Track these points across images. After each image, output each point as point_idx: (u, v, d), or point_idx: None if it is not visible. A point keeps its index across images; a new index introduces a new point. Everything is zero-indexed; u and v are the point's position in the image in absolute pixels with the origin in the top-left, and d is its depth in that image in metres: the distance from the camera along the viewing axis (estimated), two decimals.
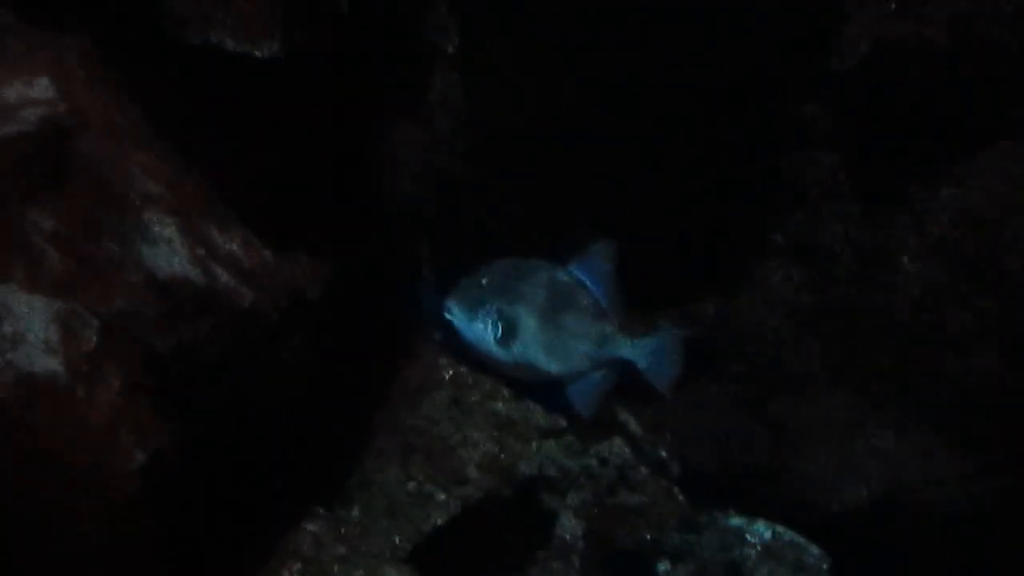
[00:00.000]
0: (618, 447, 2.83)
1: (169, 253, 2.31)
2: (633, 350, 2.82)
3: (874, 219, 2.80)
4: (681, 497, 2.82)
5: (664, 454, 2.86)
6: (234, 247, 2.41)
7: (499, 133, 2.85)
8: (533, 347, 2.80)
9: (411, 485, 2.69)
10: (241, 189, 2.41)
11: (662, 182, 2.88)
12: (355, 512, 2.68)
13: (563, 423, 2.83)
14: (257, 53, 2.32)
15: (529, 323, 2.80)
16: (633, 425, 2.88)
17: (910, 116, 2.73)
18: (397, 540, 2.64)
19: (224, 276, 2.37)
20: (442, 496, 2.67)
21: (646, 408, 2.92)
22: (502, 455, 2.74)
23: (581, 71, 2.76)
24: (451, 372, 2.87)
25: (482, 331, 2.81)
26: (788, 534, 2.81)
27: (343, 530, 2.63)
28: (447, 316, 2.87)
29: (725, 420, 2.91)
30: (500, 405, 2.82)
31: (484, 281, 2.85)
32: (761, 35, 2.72)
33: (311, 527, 2.61)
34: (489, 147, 2.85)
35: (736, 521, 2.82)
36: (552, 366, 2.80)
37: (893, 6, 2.68)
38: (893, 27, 2.68)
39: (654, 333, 2.84)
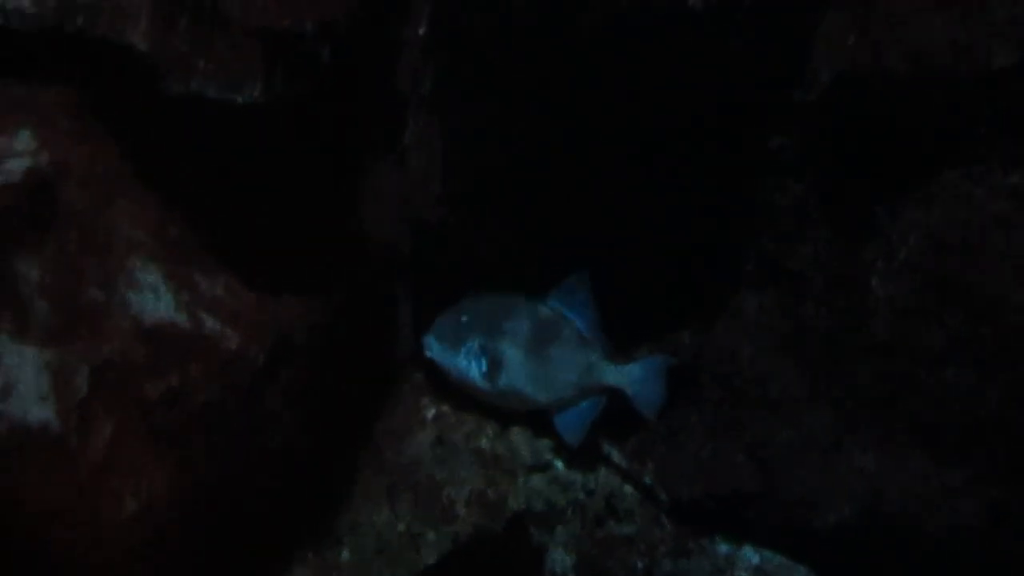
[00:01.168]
0: (604, 478, 2.85)
1: (155, 299, 2.32)
2: (619, 376, 2.85)
3: (844, 243, 2.82)
4: (669, 525, 2.84)
5: (649, 482, 2.87)
6: (218, 291, 2.42)
7: (473, 173, 2.86)
8: (519, 378, 2.83)
9: (400, 525, 2.69)
10: (224, 233, 2.43)
11: (637, 215, 2.90)
12: (345, 555, 2.68)
13: (548, 457, 2.85)
14: (239, 99, 2.34)
15: (515, 355, 2.83)
16: (616, 456, 2.90)
17: (873, 142, 2.74)
18: None
19: (210, 320, 2.38)
20: (432, 535, 2.68)
21: (628, 439, 2.94)
22: (489, 491, 2.75)
23: (554, 109, 2.79)
24: (434, 411, 2.89)
25: (466, 366, 2.84)
26: (776, 558, 2.83)
27: (333, 575, 2.64)
28: (427, 353, 2.89)
29: (706, 447, 2.93)
30: (484, 442, 2.84)
31: (464, 318, 2.88)
32: (728, 71, 2.76)
33: (300, 572, 2.62)
34: (463, 187, 2.87)
35: (725, 547, 2.84)
36: (540, 396, 2.83)
37: (852, 39, 2.73)
38: (852, 58, 2.73)
39: (639, 360, 2.88)
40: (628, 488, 2.86)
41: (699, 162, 2.88)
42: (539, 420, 2.90)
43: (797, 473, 2.84)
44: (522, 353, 2.85)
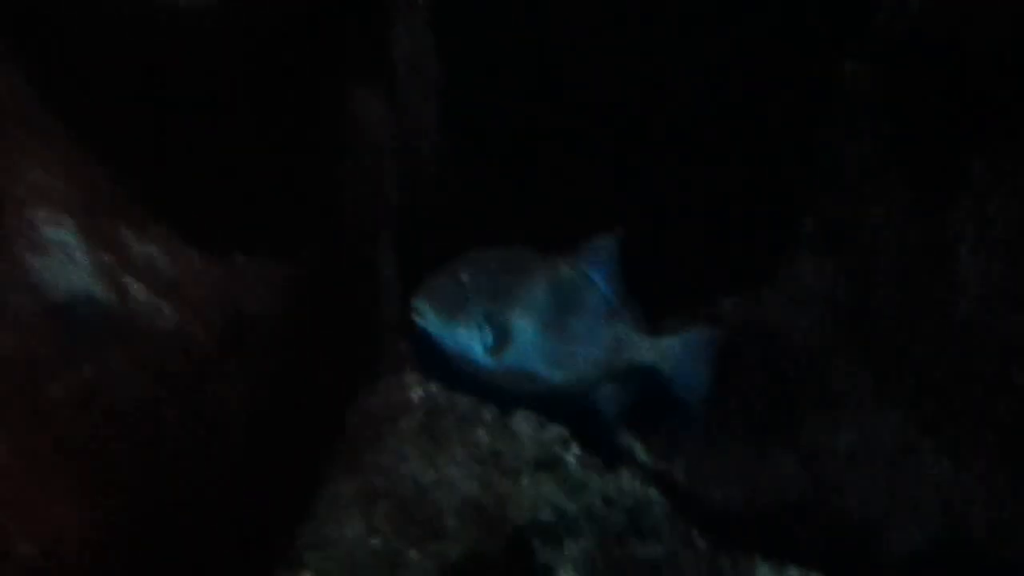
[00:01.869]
0: (627, 483, 2.34)
1: (65, 263, 1.76)
2: (656, 353, 2.33)
3: (926, 203, 2.36)
4: (703, 544, 2.35)
5: (679, 490, 2.37)
6: (152, 251, 1.88)
7: (480, 103, 2.37)
8: (532, 355, 2.31)
9: (375, 541, 2.17)
10: (163, 181, 1.87)
11: (671, 160, 2.41)
12: None
13: (558, 451, 2.33)
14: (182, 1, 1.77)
15: (525, 328, 2.31)
16: (640, 452, 2.40)
17: (973, 80, 2.30)
18: None
19: (140, 292, 1.83)
20: (414, 554, 2.16)
21: (655, 432, 2.44)
22: (486, 497, 2.23)
23: (578, 25, 2.26)
24: (420, 393, 2.36)
25: (467, 340, 2.30)
26: None
27: None
28: (417, 322, 2.35)
29: (749, 446, 2.44)
30: (482, 432, 2.32)
31: (465, 278, 2.33)
32: None
33: None
34: (467, 121, 2.33)
35: (767, 571, 2.36)
36: (557, 376, 2.31)
37: None
38: None
39: (679, 332, 2.35)
40: (654, 494, 2.36)
41: (749, 96, 2.40)
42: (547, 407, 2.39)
43: (858, 485, 2.38)
44: (536, 324, 2.33)
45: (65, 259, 1.76)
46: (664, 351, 2.35)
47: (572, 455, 2.34)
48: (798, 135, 2.41)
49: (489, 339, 2.31)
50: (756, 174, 2.45)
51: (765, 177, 2.45)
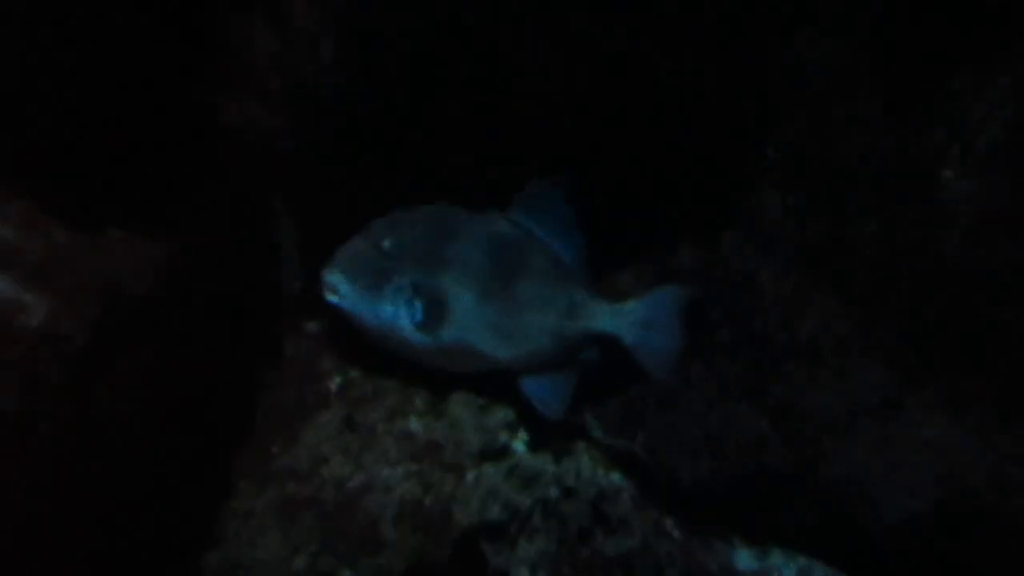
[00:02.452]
0: (586, 468, 2.00)
1: None
2: (615, 319, 2.00)
3: (904, 122, 2.04)
4: (677, 532, 2.02)
5: (642, 469, 2.04)
6: (8, 231, 1.47)
7: (386, 31, 1.98)
8: (472, 328, 1.95)
9: (299, 562, 1.80)
10: (18, 142, 1.46)
11: (615, 86, 2.04)
12: None
13: (504, 437, 1.98)
14: None
15: (464, 296, 1.94)
16: (597, 429, 2.06)
17: None
18: None
19: None
20: (347, 574, 1.80)
21: (612, 403, 2.09)
22: (427, 498, 1.87)
23: None
24: (339, 379, 1.99)
25: (393, 316, 1.93)
26: (818, 569, 2.06)
27: None
28: (329, 297, 1.98)
29: (716, 411, 2.12)
30: (415, 423, 1.96)
31: (386, 243, 1.97)
32: None
33: None
34: (372, 53, 1.95)
35: (747, 557, 2.04)
36: (502, 352, 1.95)
37: None
38: None
39: (643, 295, 2.01)
40: (617, 478, 2.02)
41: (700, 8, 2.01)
42: (490, 384, 2.03)
43: (844, 448, 2.09)
44: (475, 291, 1.97)
45: None
46: (625, 317, 2.01)
47: (521, 441, 2.00)
48: (753, 43, 2.08)
49: (420, 313, 1.95)
50: (712, 100, 2.11)
51: (722, 103, 2.12)
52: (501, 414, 2.01)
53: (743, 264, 2.12)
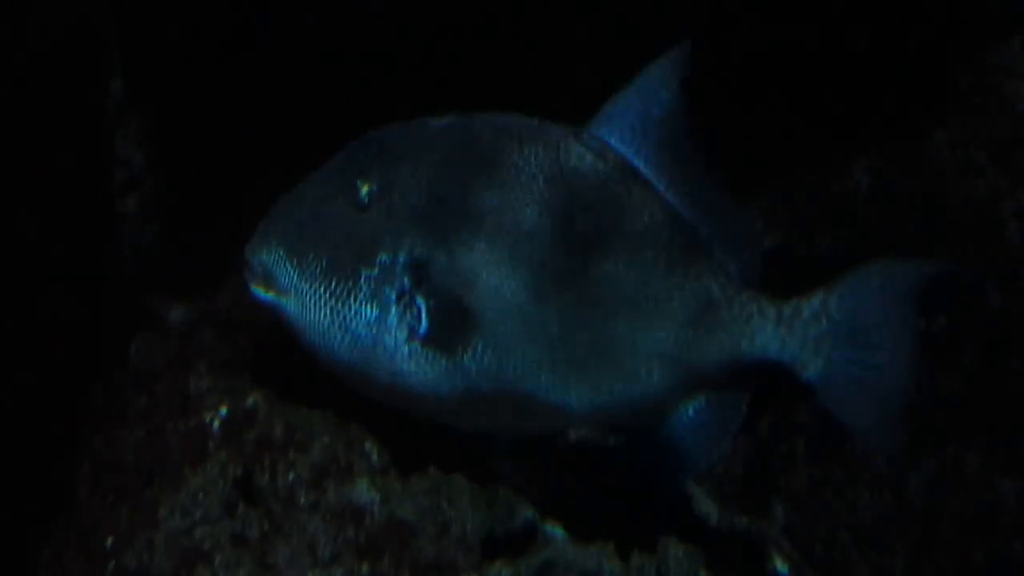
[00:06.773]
0: (676, 571, 1.13)
1: None
2: (788, 333, 1.10)
3: None
4: None
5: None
6: None
7: None
8: (519, 350, 1.05)
9: None
10: None
11: None
12: None
13: (526, 512, 1.11)
14: None
15: (503, 290, 1.05)
16: (704, 502, 1.20)
17: None
18: None
19: None
20: None
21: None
22: None
23: None
24: (225, 410, 1.12)
25: (373, 324, 1.06)
26: None
27: None
28: (256, 290, 1.11)
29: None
30: (364, 488, 1.09)
31: (365, 188, 1.08)
32: None
33: None
34: None
35: None
36: (572, 395, 1.07)
37: None
38: None
39: (835, 282, 1.12)
40: None
41: None
42: None
43: None
44: (524, 279, 1.09)
45: None
46: (809, 327, 1.11)
47: (556, 520, 1.13)
48: None
49: (424, 320, 1.04)
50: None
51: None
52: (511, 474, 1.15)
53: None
